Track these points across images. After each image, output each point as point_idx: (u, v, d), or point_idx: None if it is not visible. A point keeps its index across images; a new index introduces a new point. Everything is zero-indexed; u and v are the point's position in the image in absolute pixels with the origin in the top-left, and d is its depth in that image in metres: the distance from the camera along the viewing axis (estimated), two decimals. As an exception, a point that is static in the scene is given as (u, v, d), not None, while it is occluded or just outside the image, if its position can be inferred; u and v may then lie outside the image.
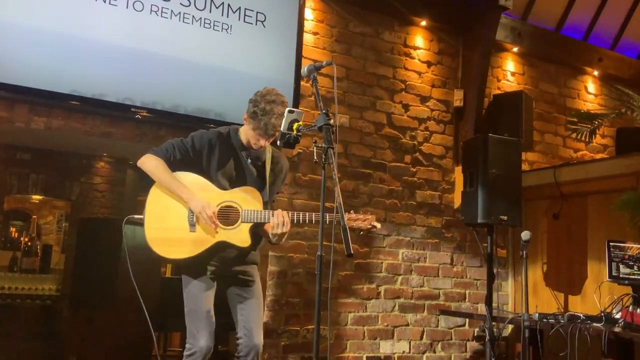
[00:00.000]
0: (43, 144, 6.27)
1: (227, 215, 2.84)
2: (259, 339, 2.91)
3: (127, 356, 4.63)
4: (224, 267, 2.93)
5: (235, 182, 2.92)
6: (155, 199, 2.87)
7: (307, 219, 2.85)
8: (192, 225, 2.83)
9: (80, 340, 4.90)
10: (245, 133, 2.93)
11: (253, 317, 2.94)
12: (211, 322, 2.83)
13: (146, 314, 2.87)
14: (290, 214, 2.86)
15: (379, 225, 2.83)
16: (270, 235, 2.88)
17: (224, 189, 2.89)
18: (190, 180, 2.87)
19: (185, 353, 2.81)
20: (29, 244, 6.88)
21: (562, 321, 4.12)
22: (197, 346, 2.77)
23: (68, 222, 7.12)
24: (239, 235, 2.82)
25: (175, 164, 2.88)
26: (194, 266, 2.87)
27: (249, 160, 2.96)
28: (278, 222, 2.80)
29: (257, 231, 2.98)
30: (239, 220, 2.83)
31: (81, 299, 4.97)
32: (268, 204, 2.96)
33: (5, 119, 3.87)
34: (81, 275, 5.06)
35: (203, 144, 2.91)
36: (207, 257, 2.85)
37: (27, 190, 6.53)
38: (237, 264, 2.95)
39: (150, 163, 2.85)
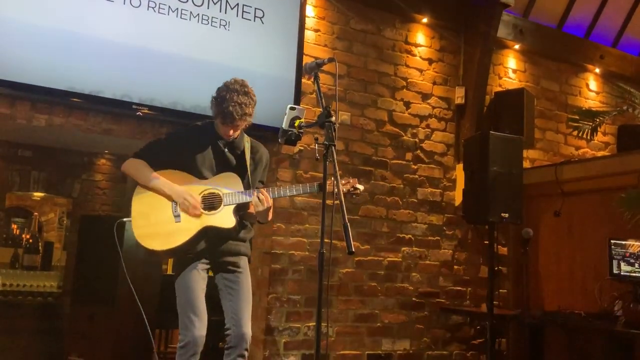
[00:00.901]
0: (44, 141, 6.27)
1: (210, 202, 2.94)
2: (247, 328, 2.96)
3: (129, 353, 4.64)
4: (214, 258, 3.00)
5: (215, 170, 3.01)
6: (140, 199, 2.98)
7: (287, 192, 2.98)
8: (177, 216, 2.92)
9: (82, 337, 4.91)
10: (216, 123, 3.03)
11: (241, 307, 2.98)
12: (203, 312, 2.89)
13: (143, 314, 2.98)
14: (272, 189, 2.97)
15: (361, 187, 2.87)
16: (256, 215, 3.00)
17: (205, 178, 2.98)
18: (172, 175, 2.97)
19: (179, 345, 2.88)
20: (31, 241, 6.88)
21: (563, 319, 4.12)
22: (189, 336, 2.84)
23: (69, 219, 7.13)
24: (224, 218, 2.92)
25: (157, 163, 2.99)
26: (184, 256, 2.94)
27: (227, 149, 3.04)
28: (259, 199, 2.91)
29: (244, 216, 3.05)
30: (222, 204, 2.92)
31: (82, 295, 4.98)
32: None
33: (6, 116, 3.88)
34: (82, 272, 5.07)
35: (180, 139, 3.03)
36: (195, 245, 2.92)
37: (28, 187, 6.53)
38: (228, 255, 3.02)
39: (131, 166, 3.01)
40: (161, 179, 2.94)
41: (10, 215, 7.17)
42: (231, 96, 2.88)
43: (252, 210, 3.00)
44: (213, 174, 3.00)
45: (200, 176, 2.98)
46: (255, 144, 3.16)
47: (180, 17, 4.18)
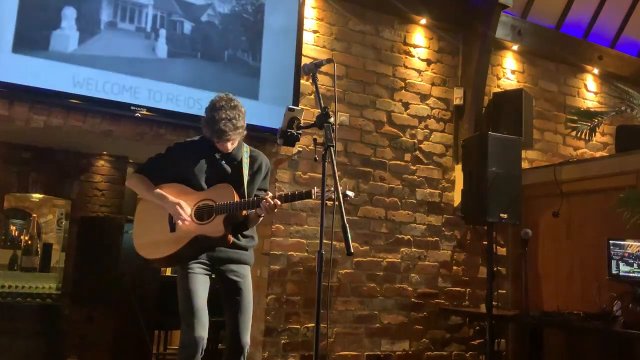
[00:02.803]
0: (43, 142, 6.28)
1: (203, 212, 3.00)
2: (246, 337, 3.03)
3: (127, 354, 4.64)
4: (217, 266, 3.05)
5: (212, 181, 3.06)
6: (141, 211, 3.16)
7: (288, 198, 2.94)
8: (172, 226, 3.02)
9: (80, 338, 4.91)
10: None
11: (241, 316, 3.04)
12: (204, 315, 2.92)
13: (140, 318, 2.98)
14: (274, 197, 2.93)
15: (352, 194, 2.86)
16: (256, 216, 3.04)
17: (201, 189, 3.05)
18: (170, 188, 3.07)
19: (180, 345, 2.92)
20: (29, 242, 6.89)
21: (562, 319, 4.12)
22: (190, 337, 2.87)
23: (68, 221, 7.12)
24: (214, 227, 2.96)
25: (158, 176, 3.11)
26: (180, 262, 3.02)
27: (223, 161, 3.09)
28: (266, 207, 2.89)
29: (247, 222, 3.09)
30: (213, 214, 2.97)
31: (81, 297, 4.99)
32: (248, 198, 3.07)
33: (4, 118, 3.87)
34: (81, 273, 5.07)
35: (177, 153, 3.12)
36: (189, 252, 2.99)
37: (27, 188, 6.53)
38: (229, 262, 3.07)
39: (132, 181, 3.15)
40: (160, 193, 3.05)
41: (8, 216, 7.16)
42: (219, 114, 2.91)
43: (259, 212, 3.03)
44: (208, 184, 3.06)
45: (199, 188, 3.05)
46: (254, 153, 3.19)
47: (176, 16, 4.18)
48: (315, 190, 2.74)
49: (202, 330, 2.88)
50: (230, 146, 3.02)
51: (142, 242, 3.07)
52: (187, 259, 2.99)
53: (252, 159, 3.15)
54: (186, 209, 2.98)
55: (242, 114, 2.99)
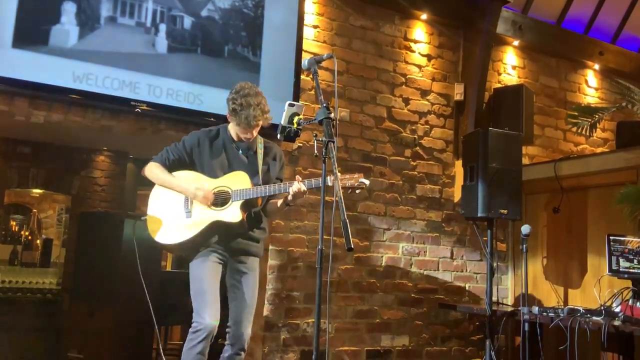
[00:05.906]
0: (43, 137, 6.27)
1: (220, 199, 3.05)
2: (247, 329, 3.08)
3: (128, 349, 4.64)
4: (230, 255, 3.11)
5: (229, 171, 3.12)
6: (155, 197, 3.18)
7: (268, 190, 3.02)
8: (188, 212, 3.06)
9: (81, 333, 4.92)
10: (233, 129, 3.14)
11: (243, 308, 3.08)
12: (215, 302, 2.98)
13: (151, 308, 3.02)
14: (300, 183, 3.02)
15: (367, 182, 2.91)
16: (286, 200, 3.09)
17: (216, 178, 3.10)
18: (185, 175, 3.13)
19: (191, 330, 2.97)
20: (30, 237, 6.89)
21: (562, 315, 4.12)
22: (202, 324, 2.92)
23: (68, 216, 7.12)
24: (231, 213, 3.02)
25: (173, 165, 3.15)
26: (194, 249, 3.08)
27: (240, 152, 3.16)
28: (294, 191, 2.99)
29: (265, 211, 3.17)
30: (231, 200, 3.02)
31: (81, 292, 4.99)
32: None
33: (5, 113, 3.87)
34: (81, 269, 5.07)
35: (193, 143, 3.16)
36: (205, 239, 3.04)
37: (27, 184, 6.53)
38: (240, 254, 3.12)
39: (148, 169, 3.17)
40: (175, 179, 3.10)
41: (9, 212, 7.16)
42: (248, 101, 2.98)
43: (275, 200, 3.14)
44: (224, 174, 3.11)
45: (214, 177, 3.10)
46: (269, 144, 3.24)
47: (176, 11, 4.18)
48: (332, 178, 2.72)
49: (213, 317, 2.93)
50: (255, 133, 3.07)
51: (157, 227, 3.09)
52: (202, 246, 3.04)
53: (267, 150, 3.21)
54: (208, 191, 3.01)
55: (264, 99, 3.07)
